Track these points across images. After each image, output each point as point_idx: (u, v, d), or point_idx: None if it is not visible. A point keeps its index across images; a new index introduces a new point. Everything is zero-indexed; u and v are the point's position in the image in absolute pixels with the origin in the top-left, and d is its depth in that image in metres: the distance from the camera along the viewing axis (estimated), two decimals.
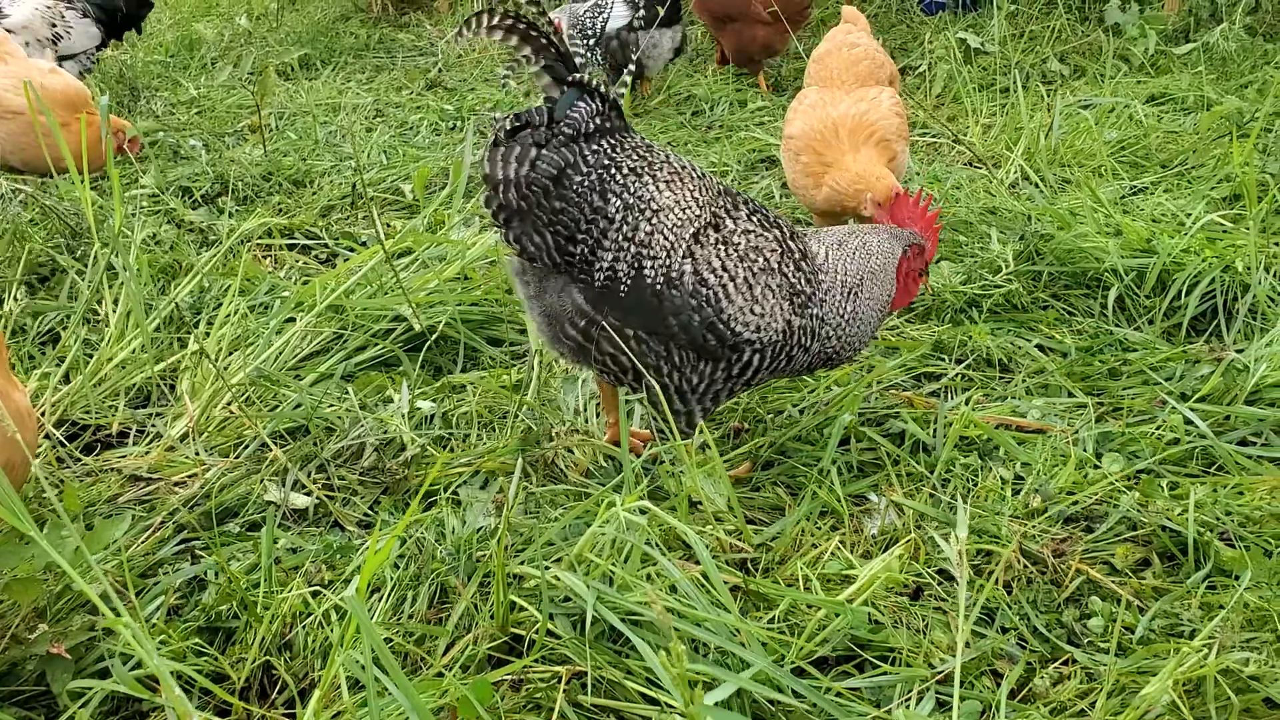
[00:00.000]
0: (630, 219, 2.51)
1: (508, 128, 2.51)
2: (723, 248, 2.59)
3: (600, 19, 5.95)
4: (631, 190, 2.52)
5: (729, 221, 2.63)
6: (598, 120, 2.51)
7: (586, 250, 2.52)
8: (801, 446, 2.94)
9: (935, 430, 2.95)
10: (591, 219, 2.50)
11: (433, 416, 3.10)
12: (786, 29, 6.11)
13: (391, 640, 2.25)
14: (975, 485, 2.77)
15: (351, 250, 4.29)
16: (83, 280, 3.77)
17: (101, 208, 4.44)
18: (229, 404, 3.14)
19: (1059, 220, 4.03)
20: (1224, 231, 3.86)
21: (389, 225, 4.56)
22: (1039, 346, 3.45)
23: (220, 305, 3.64)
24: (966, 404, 3.07)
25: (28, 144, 4.30)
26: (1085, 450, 2.87)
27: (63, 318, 3.68)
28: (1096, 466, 2.80)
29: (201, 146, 5.61)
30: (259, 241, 4.39)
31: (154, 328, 3.48)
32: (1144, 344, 3.40)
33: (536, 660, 2.18)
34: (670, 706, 2.02)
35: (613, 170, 2.51)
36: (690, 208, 2.56)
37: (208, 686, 2.12)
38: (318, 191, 5.00)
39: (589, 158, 2.49)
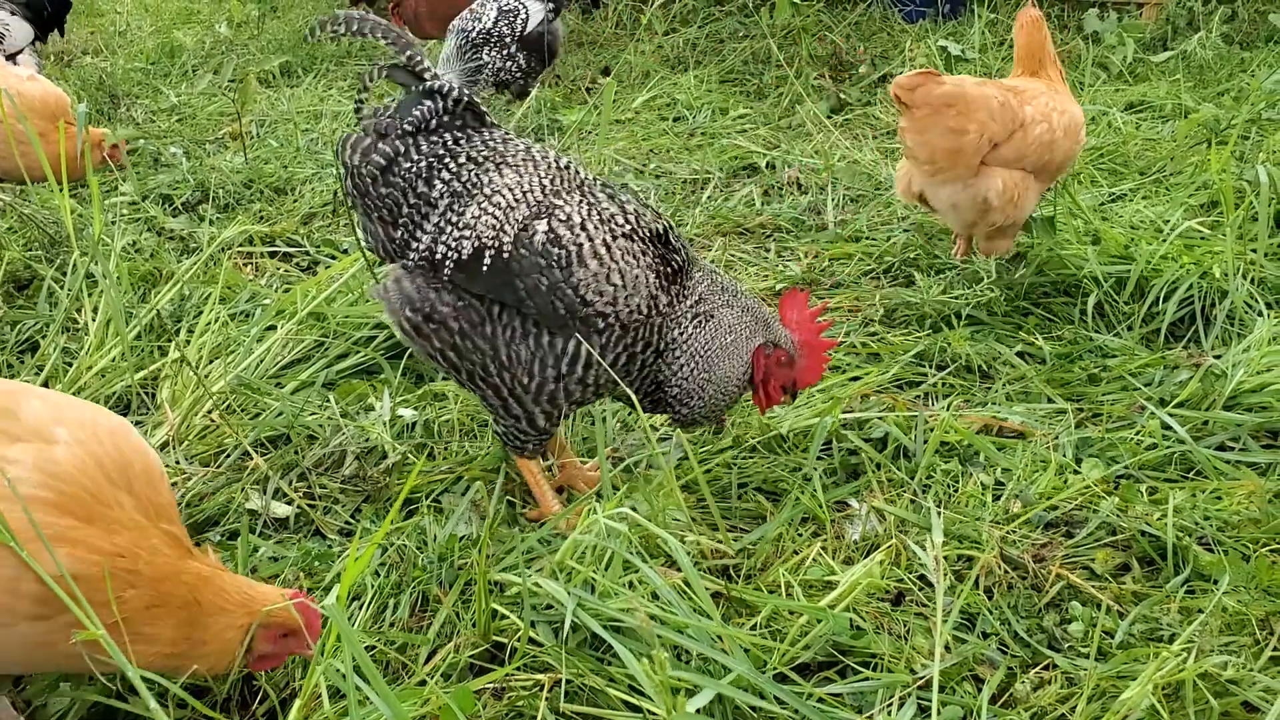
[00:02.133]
0: (458, 205, 2.50)
1: (364, 124, 2.57)
2: (585, 209, 2.50)
3: (519, 20, 6.24)
4: (463, 178, 2.51)
5: (591, 195, 2.55)
6: (445, 118, 2.55)
7: (405, 233, 2.53)
8: (782, 456, 2.95)
9: (916, 436, 2.96)
10: (414, 204, 2.52)
11: (414, 424, 3.09)
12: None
13: (373, 648, 2.25)
14: (956, 491, 2.78)
15: (333, 258, 4.27)
16: (62, 288, 3.75)
17: (80, 215, 4.41)
18: (210, 412, 3.13)
19: (1038, 227, 4.05)
20: (1201, 238, 3.89)
21: None
22: (1019, 353, 3.47)
23: (201, 313, 3.62)
24: (947, 410, 3.08)
25: (5, 153, 4.27)
26: (1065, 456, 2.88)
27: (41, 326, 3.66)
28: (1076, 472, 2.82)
29: (182, 154, 5.58)
30: (240, 249, 4.37)
31: (134, 336, 3.46)
32: (1123, 350, 3.42)
33: (519, 668, 2.17)
34: (653, 714, 2.02)
35: (447, 160, 2.52)
36: (533, 191, 2.50)
37: (186, 700, 2.11)
38: (299, 199, 4.99)
39: (423, 147, 2.52)
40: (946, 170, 3.66)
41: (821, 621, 2.23)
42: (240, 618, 2.00)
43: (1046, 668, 2.25)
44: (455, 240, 2.47)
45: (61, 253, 4.13)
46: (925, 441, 2.91)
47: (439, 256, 2.48)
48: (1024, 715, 2.12)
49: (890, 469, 2.85)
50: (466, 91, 2.56)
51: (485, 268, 2.45)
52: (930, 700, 2.07)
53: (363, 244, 2.68)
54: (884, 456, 2.89)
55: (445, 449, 3.02)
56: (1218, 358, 3.28)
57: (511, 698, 2.15)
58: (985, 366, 3.39)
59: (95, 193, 3.38)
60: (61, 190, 3.42)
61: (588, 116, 5.88)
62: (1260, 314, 3.44)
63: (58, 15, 6.69)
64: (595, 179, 2.62)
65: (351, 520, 2.77)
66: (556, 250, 2.43)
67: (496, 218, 2.46)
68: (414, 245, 2.52)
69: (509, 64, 6.21)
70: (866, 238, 4.35)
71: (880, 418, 3.03)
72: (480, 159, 2.53)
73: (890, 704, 2.12)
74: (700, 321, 2.58)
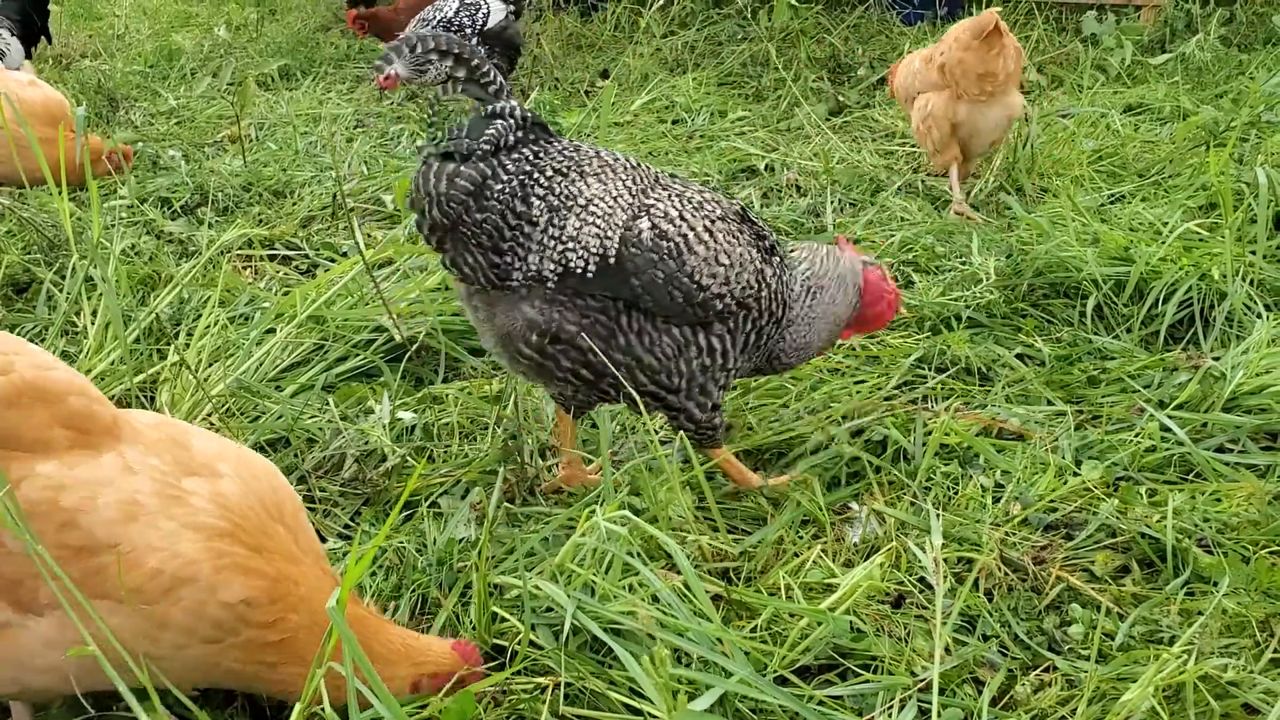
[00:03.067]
0: (557, 219, 2.50)
1: (440, 149, 2.51)
2: (677, 200, 2.58)
3: (479, 15, 6.34)
4: (556, 191, 2.51)
5: (677, 186, 2.64)
6: (519, 134, 2.52)
7: (515, 258, 2.51)
8: (780, 459, 2.95)
9: (916, 438, 2.95)
10: (515, 225, 2.50)
11: (414, 427, 3.09)
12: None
13: None
14: (956, 493, 2.78)
15: (332, 261, 4.27)
16: (61, 292, 3.75)
17: (80, 219, 4.41)
18: (209, 415, 3.13)
19: (1038, 230, 4.05)
20: (1200, 240, 3.89)
21: (370, 235, 4.55)
22: (1018, 355, 3.46)
23: (200, 316, 3.62)
24: (947, 411, 3.08)
25: (5, 156, 4.27)
26: (1065, 458, 2.88)
27: (40, 329, 3.66)
28: (1076, 474, 2.82)
29: (181, 157, 5.59)
30: (239, 252, 4.37)
31: (133, 339, 3.46)
32: (1122, 352, 3.43)
33: (519, 671, 2.17)
34: (654, 716, 2.02)
35: (535, 175, 2.51)
36: (623, 195, 2.55)
37: (188, 705, 2.10)
38: (298, 202, 4.99)
39: (509, 166, 2.50)
40: (1010, 86, 4.51)
41: (822, 624, 2.23)
42: (404, 669, 2.03)
43: (1047, 670, 2.25)
44: (562, 254, 2.49)
45: (60, 256, 4.14)
46: (925, 444, 2.91)
47: (553, 271, 2.50)
48: (1024, 717, 2.12)
49: (890, 471, 2.85)
50: (528, 111, 2.55)
51: (596, 273, 2.50)
52: (931, 703, 2.07)
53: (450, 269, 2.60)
54: (884, 459, 2.89)
55: (445, 452, 3.02)
56: (1217, 359, 3.28)
57: (512, 701, 2.15)
58: (985, 369, 3.39)
59: (94, 196, 3.37)
60: (61, 194, 3.42)
61: (587, 119, 5.88)
62: (1259, 316, 3.44)
63: (42, 23, 6.81)
64: (664, 174, 2.68)
65: (351, 523, 2.77)
66: (666, 243, 2.52)
67: (599, 225, 2.50)
68: (520, 267, 2.51)
69: None
70: (866, 240, 4.36)
71: (880, 420, 3.03)
72: (565, 170, 2.54)
73: (891, 706, 2.12)
74: (808, 289, 2.76)
